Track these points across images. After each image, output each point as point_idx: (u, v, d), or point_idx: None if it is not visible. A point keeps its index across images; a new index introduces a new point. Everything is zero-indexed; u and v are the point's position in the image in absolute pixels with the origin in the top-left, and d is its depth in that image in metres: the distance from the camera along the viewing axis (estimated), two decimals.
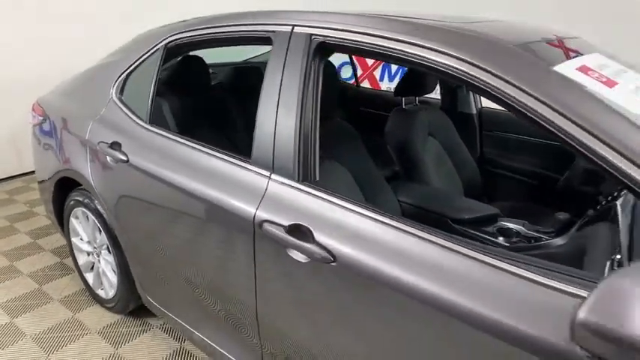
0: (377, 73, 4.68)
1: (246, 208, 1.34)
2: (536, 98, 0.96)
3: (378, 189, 1.82)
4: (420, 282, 1.02)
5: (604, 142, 0.88)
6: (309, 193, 1.25)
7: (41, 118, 2.33)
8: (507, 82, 1.00)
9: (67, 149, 2.11)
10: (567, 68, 1.06)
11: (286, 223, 1.24)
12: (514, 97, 0.99)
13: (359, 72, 4.51)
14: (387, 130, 2.18)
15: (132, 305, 2.17)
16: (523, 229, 1.66)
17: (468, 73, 1.05)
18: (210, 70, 2.38)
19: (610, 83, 1.06)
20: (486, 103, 2.55)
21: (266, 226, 1.28)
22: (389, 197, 1.87)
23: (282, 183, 1.31)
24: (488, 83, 1.02)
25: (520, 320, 0.90)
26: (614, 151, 0.87)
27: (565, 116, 0.93)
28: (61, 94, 2.29)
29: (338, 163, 1.71)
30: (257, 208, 1.32)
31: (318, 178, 1.32)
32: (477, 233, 1.67)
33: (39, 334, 2.11)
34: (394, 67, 4.51)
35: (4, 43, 3.65)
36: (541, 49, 1.16)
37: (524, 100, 0.97)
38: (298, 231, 1.22)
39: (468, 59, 1.06)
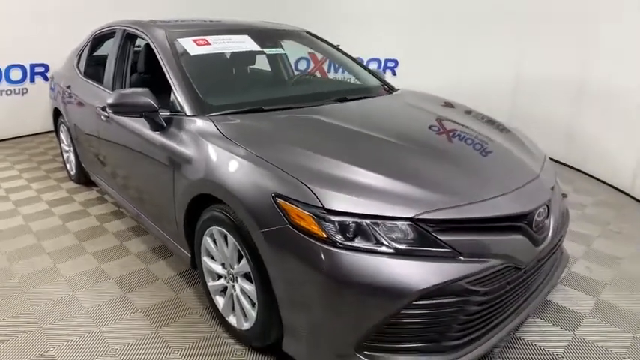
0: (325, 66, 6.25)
1: (98, 104, 3.10)
2: (154, 45, 2.64)
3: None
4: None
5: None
6: (109, 93, 3.00)
7: (51, 83, 4.32)
8: (154, 44, 2.68)
9: (56, 95, 4.06)
10: (186, 40, 2.70)
11: (102, 105, 2.99)
12: (154, 50, 2.66)
13: (311, 65, 6.20)
14: None
15: (82, 178, 4.02)
16: None
17: (147, 39, 2.75)
18: None
19: (202, 45, 2.69)
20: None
21: (97, 109, 3.05)
22: None
23: (107, 92, 3.06)
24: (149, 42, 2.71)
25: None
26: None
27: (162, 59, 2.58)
28: (61, 67, 4.26)
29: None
30: (99, 103, 3.08)
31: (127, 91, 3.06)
32: None
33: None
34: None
35: None
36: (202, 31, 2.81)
37: (155, 48, 2.64)
38: (104, 108, 2.97)
39: (147, 34, 2.76)
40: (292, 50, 3.59)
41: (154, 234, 2.81)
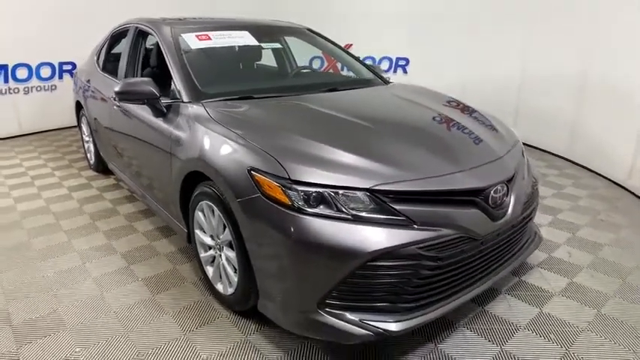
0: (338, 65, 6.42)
1: (110, 94, 3.38)
2: (157, 37, 2.88)
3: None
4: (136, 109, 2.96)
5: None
6: (117, 83, 3.25)
7: (74, 78, 4.65)
8: (160, 38, 2.93)
9: (78, 89, 4.38)
10: (189, 35, 2.94)
11: (113, 95, 3.26)
12: (160, 45, 2.90)
13: (325, 63, 6.43)
14: None
15: (100, 167, 4.32)
16: None
17: (154, 35, 3.00)
18: None
19: (203, 39, 2.92)
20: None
21: (110, 100, 3.32)
22: None
23: (118, 83, 3.31)
24: (155, 36, 2.96)
25: None
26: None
27: (164, 52, 2.82)
28: (83, 63, 4.58)
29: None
30: (111, 93, 3.36)
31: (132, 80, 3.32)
32: None
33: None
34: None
35: None
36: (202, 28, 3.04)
37: (160, 42, 2.89)
38: (114, 98, 3.23)
39: (154, 30, 3.01)
40: (306, 49, 3.76)
41: (160, 216, 3.04)
